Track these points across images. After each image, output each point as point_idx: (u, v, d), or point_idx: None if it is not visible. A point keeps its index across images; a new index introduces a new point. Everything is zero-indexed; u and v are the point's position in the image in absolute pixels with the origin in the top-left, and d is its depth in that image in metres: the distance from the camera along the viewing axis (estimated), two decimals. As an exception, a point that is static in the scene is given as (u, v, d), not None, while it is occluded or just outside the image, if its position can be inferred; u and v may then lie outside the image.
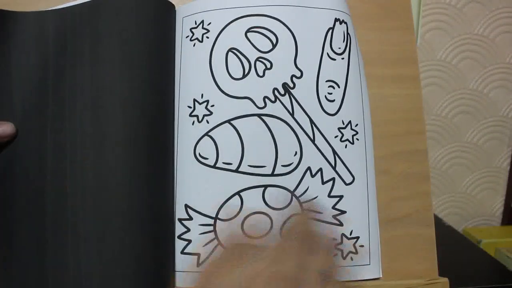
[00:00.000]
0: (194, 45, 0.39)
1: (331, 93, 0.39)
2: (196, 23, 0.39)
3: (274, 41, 0.38)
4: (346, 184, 0.38)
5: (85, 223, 0.35)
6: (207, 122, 0.38)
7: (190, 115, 0.38)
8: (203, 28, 0.39)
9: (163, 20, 0.39)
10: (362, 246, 0.38)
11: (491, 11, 1.06)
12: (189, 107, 0.38)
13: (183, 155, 0.38)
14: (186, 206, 0.37)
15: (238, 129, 0.37)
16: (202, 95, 0.38)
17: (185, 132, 0.38)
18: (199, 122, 0.38)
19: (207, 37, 0.39)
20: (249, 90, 0.38)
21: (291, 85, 0.38)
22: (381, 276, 0.39)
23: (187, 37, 0.39)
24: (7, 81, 0.37)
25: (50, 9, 0.39)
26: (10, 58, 0.38)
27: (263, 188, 0.37)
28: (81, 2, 0.38)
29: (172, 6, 0.40)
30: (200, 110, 0.38)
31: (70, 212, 0.35)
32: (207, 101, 0.38)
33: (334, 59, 0.39)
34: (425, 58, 1.07)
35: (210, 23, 0.39)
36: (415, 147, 0.42)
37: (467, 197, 1.20)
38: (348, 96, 0.39)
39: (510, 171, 1.18)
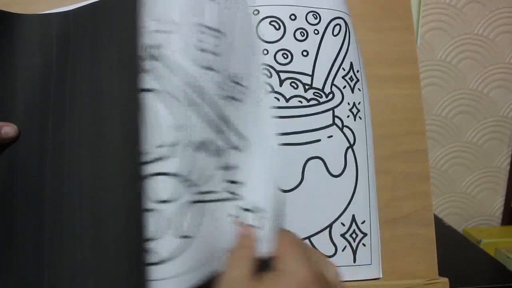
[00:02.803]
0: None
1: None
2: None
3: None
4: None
5: (81, 223, 0.35)
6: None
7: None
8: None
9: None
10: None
11: (491, 11, 1.06)
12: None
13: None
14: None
15: None
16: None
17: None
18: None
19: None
20: None
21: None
22: (381, 276, 0.39)
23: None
24: (12, 82, 0.38)
25: (54, 11, 0.40)
26: (15, 60, 0.38)
27: None
28: (82, 3, 0.38)
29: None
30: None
31: (67, 212, 0.35)
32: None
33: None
34: (425, 58, 1.07)
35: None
36: (415, 147, 0.42)
37: (467, 197, 1.20)
38: None
39: (510, 171, 1.18)
